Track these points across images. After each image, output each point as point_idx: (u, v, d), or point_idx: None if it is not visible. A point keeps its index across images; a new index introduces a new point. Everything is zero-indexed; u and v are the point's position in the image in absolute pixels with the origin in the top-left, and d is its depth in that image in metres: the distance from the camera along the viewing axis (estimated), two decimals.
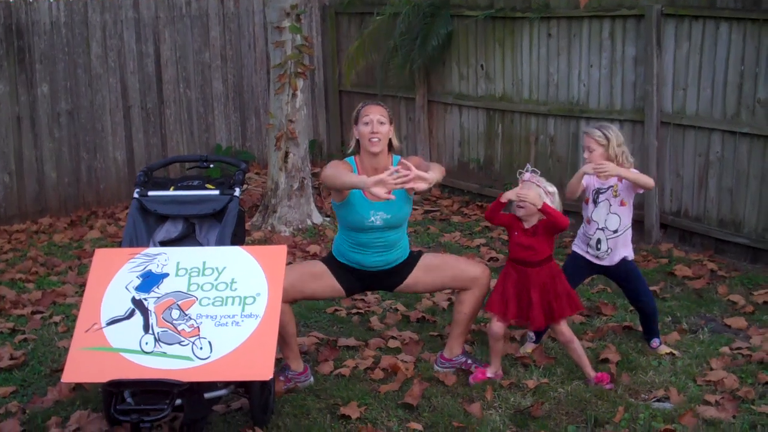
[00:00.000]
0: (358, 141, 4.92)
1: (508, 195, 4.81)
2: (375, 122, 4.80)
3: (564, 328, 4.93)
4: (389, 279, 5.02)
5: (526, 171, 4.85)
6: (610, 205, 5.15)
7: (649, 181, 5.17)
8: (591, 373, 4.98)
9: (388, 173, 4.42)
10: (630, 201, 5.20)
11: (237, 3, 10.00)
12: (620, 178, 5.11)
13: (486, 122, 8.91)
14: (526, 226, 4.85)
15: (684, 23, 7.09)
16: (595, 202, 5.18)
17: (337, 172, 4.69)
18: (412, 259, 5.04)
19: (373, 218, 4.81)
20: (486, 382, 4.95)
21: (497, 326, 4.95)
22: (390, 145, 4.92)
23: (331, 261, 5.04)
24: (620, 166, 5.08)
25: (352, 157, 4.96)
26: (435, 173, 4.64)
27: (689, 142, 7.21)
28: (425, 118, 9.45)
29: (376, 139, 4.79)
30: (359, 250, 4.90)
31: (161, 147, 9.59)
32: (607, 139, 5.08)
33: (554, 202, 4.82)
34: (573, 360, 5.06)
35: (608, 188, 5.15)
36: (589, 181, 5.19)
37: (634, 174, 5.09)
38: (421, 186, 4.51)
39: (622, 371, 5.05)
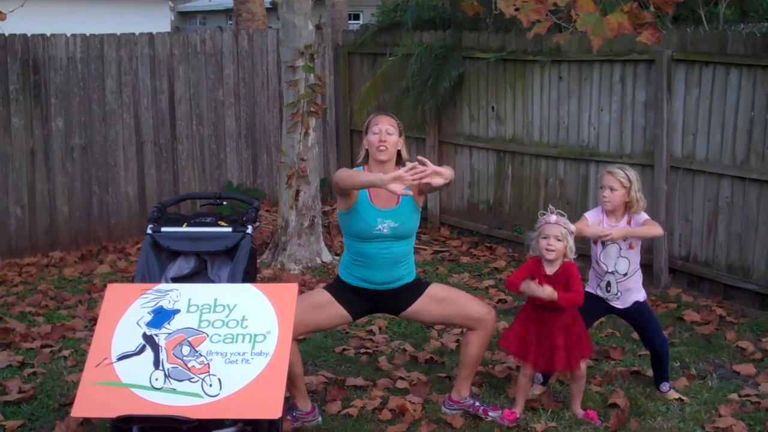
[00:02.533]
0: (367, 151, 4.95)
1: (538, 292, 4.83)
2: (383, 131, 4.84)
3: (583, 364, 5.01)
4: (395, 301, 5.00)
5: (551, 213, 4.87)
6: (620, 249, 5.16)
7: (658, 232, 5.19)
8: (579, 410, 5.05)
9: (405, 169, 4.43)
10: (638, 244, 5.23)
11: (251, 41, 10.11)
12: (629, 221, 5.14)
13: (496, 164, 8.95)
14: (549, 272, 4.87)
15: (694, 69, 7.15)
16: (604, 245, 5.18)
17: (351, 173, 4.73)
18: (420, 285, 5.04)
19: (380, 226, 4.80)
20: (493, 424, 4.95)
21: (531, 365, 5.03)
22: (399, 156, 4.93)
23: (336, 285, 5.04)
24: (635, 211, 5.12)
25: (361, 167, 4.99)
26: (449, 171, 4.62)
27: (698, 187, 7.24)
28: (436, 158, 9.48)
29: (383, 148, 4.82)
30: (364, 262, 4.88)
31: (173, 183, 9.64)
32: (630, 181, 5.12)
33: (571, 241, 4.87)
34: (571, 390, 5.11)
35: None
36: (596, 222, 5.19)
37: (642, 230, 5.12)
38: (438, 181, 4.49)
39: (631, 416, 5.03)
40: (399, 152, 4.93)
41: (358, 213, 4.83)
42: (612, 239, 5.05)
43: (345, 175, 4.71)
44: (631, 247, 5.18)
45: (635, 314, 5.28)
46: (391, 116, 4.99)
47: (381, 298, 4.99)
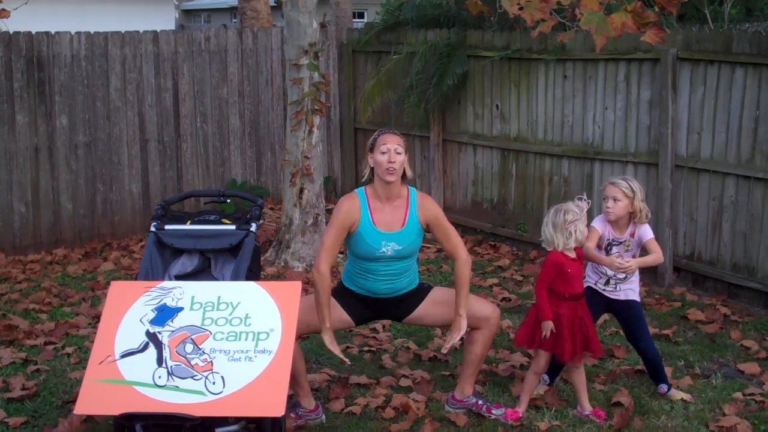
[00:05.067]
0: (372, 169, 4.89)
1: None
2: (392, 151, 4.76)
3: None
4: (398, 308, 5.02)
5: (581, 200, 4.90)
6: (621, 257, 5.19)
7: (661, 259, 5.33)
8: (587, 404, 5.03)
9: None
10: (638, 253, 5.33)
11: (255, 39, 10.10)
12: (633, 233, 5.21)
13: (500, 162, 8.94)
14: (575, 255, 4.92)
15: (699, 67, 7.13)
16: (608, 252, 5.25)
17: (318, 300, 4.80)
18: (422, 290, 5.04)
19: (384, 249, 4.80)
20: (496, 423, 4.94)
21: (545, 361, 5.02)
22: (403, 174, 4.89)
23: (339, 290, 5.04)
24: (640, 221, 5.20)
25: (363, 188, 4.92)
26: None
27: (703, 185, 7.22)
28: (439, 156, 9.49)
29: (392, 169, 4.76)
30: (367, 276, 4.89)
31: (177, 180, 9.64)
32: (633, 191, 5.14)
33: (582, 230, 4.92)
34: (574, 385, 5.08)
35: (621, 242, 5.24)
36: (603, 231, 5.23)
37: (650, 260, 5.26)
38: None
39: (635, 415, 5.02)
40: (404, 170, 4.88)
41: (361, 236, 4.81)
42: (632, 272, 5.17)
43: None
44: (633, 256, 5.27)
45: (628, 310, 5.31)
46: (397, 133, 4.90)
47: (384, 305, 5.00)
